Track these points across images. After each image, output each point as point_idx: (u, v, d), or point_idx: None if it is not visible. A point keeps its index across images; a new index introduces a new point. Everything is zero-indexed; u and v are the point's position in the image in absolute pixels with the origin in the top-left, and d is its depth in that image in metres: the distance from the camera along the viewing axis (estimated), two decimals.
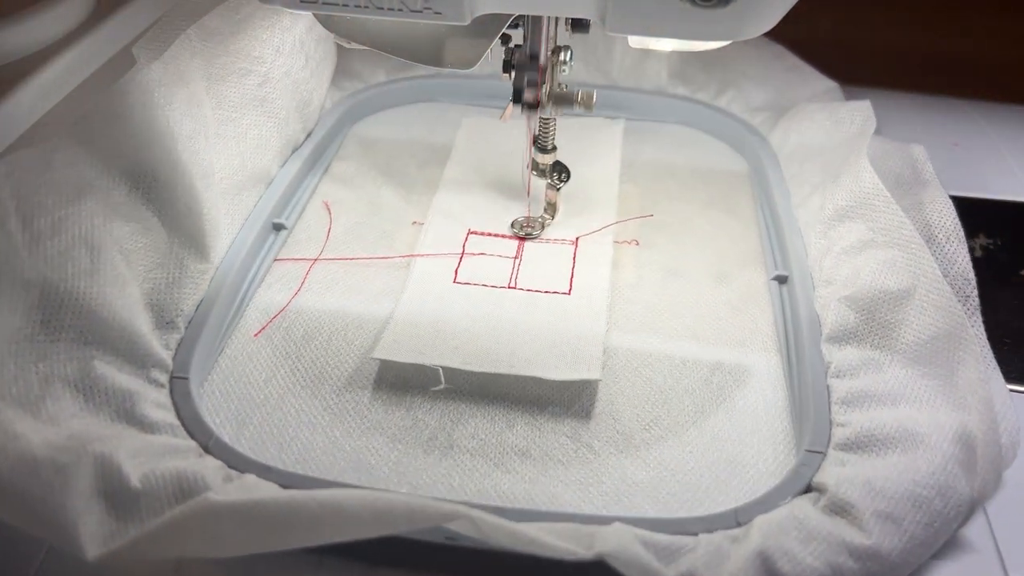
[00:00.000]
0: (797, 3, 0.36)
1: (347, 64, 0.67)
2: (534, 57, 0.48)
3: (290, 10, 0.38)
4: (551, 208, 0.55)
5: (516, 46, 0.48)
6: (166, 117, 0.45)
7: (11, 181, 0.39)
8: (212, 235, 0.47)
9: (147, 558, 0.34)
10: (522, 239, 0.54)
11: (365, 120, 0.66)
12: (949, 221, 0.48)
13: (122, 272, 0.41)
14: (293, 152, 0.58)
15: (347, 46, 0.44)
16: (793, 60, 0.67)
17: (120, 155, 0.44)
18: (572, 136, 0.63)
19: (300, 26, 0.59)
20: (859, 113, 0.55)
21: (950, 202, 0.49)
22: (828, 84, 0.64)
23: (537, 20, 0.46)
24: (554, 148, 0.53)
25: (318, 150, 0.60)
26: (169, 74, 0.46)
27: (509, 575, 0.37)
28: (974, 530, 0.39)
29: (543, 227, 0.55)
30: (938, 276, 0.43)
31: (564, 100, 0.50)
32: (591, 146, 0.63)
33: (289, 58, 0.56)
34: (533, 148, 0.53)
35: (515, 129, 0.64)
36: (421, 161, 0.62)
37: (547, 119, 0.51)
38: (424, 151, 0.63)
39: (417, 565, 0.37)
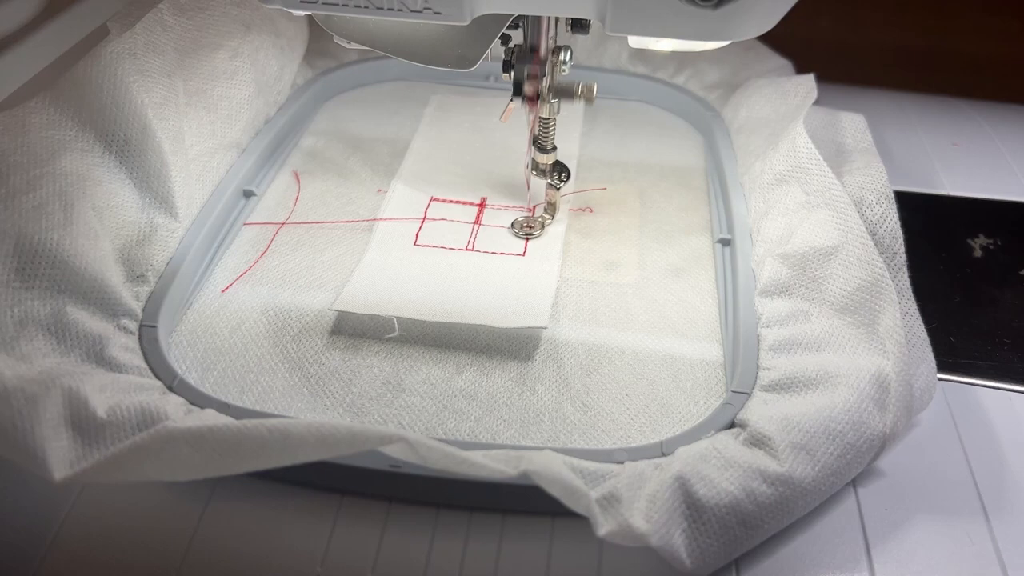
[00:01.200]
0: (797, 3, 0.37)
1: (321, 43, 0.69)
2: (534, 50, 0.49)
3: (291, 10, 0.40)
4: (551, 208, 0.56)
5: (516, 46, 0.49)
6: (136, 84, 0.48)
7: None
8: (181, 196, 0.50)
9: (109, 481, 0.36)
10: (480, 205, 0.57)
11: (337, 98, 0.69)
12: (880, 183, 0.50)
13: (95, 227, 0.44)
14: (265, 124, 0.61)
15: (347, 46, 0.45)
16: (749, 41, 0.70)
17: (92, 119, 0.46)
18: None
19: (275, 3, 0.61)
20: (802, 86, 0.58)
21: (882, 166, 0.52)
22: (780, 62, 0.67)
23: (537, 20, 0.47)
24: (554, 148, 0.53)
25: (289, 124, 0.63)
26: (139, 44, 0.49)
27: (460, 503, 0.39)
28: (974, 530, 0.40)
29: (543, 227, 0.55)
30: (863, 233, 0.46)
31: (565, 92, 0.50)
32: None
33: (259, 35, 0.59)
34: (533, 148, 0.54)
35: (478, 106, 0.67)
36: (390, 137, 0.64)
37: (547, 119, 0.52)
38: (393, 128, 0.65)
39: (370, 493, 0.39)
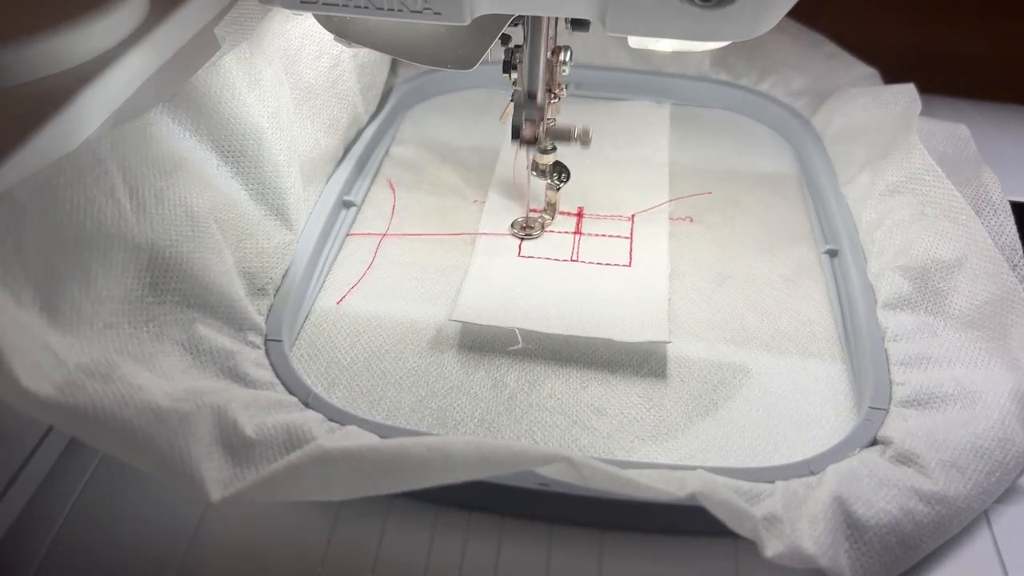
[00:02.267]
0: (797, 3, 0.37)
1: None
2: (532, 96, 0.50)
3: (291, 10, 0.40)
4: (551, 208, 0.56)
5: (516, 46, 0.49)
6: (253, 96, 0.47)
7: (116, 153, 0.41)
8: (295, 208, 0.49)
9: (263, 501, 0.36)
10: (578, 215, 0.56)
11: (420, 105, 0.68)
12: (995, 194, 0.50)
13: (218, 240, 0.44)
14: (358, 134, 0.61)
15: (347, 46, 0.44)
16: (831, 48, 0.70)
17: (209, 131, 0.46)
18: (621, 119, 0.66)
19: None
20: (903, 95, 0.57)
21: (995, 177, 0.51)
22: (867, 70, 0.67)
23: (537, 20, 0.47)
24: (554, 148, 0.53)
25: (379, 133, 0.62)
26: (253, 55, 0.48)
27: (588, 522, 0.39)
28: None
29: (543, 227, 0.55)
30: (989, 245, 0.46)
31: (562, 136, 0.52)
32: (639, 128, 0.65)
33: None
34: (534, 150, 0.53)
35: (564, 114, 0.67)
36: (475, 144, 0.64)
37: (549, 119, 0.52)
38: (478, 135, 0.65)
39: (503, 511, 0.39)
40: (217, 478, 0.35)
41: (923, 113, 0.56)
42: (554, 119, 0.52)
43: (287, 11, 0.51)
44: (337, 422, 0.40)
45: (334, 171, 0.57)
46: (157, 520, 0.39)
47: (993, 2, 0.80)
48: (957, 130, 0.56)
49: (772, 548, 0.34)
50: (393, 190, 0.59)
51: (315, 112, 0.54)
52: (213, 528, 0.38)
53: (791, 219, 0.58)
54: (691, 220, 0.57)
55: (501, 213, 0.57)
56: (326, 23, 0.43)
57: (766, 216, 0.58)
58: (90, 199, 0.39)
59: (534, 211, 0.56)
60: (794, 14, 0.38)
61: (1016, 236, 0.48)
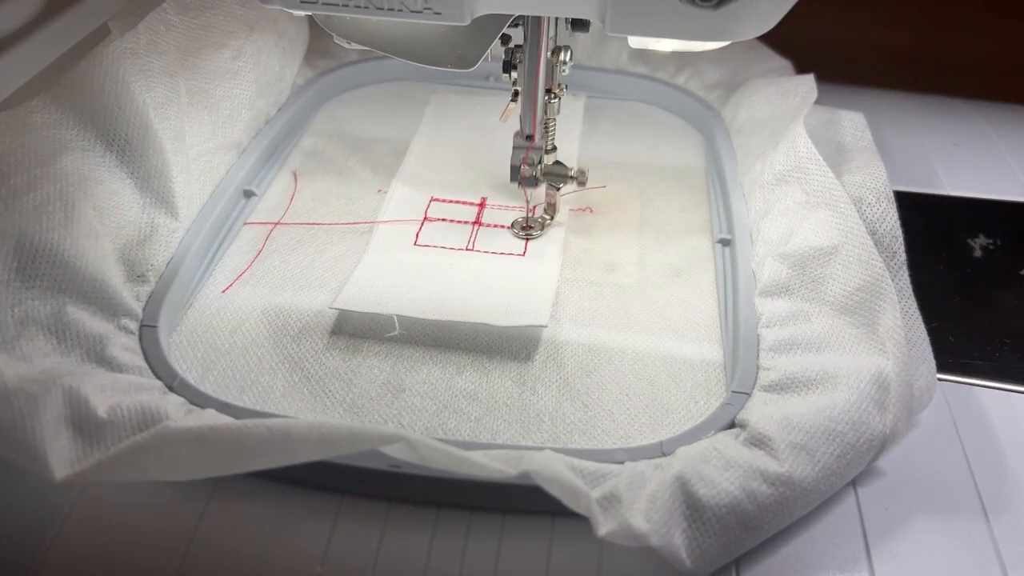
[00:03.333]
0: (797, 3, 0.37)
1: (321, 43, 0.69)
2: (529, 137, 0.51)
3: (291, 10, 0.40)
4: (551, 208, 0.56)
5: (517, 46, 0.49)
6: (138, 84, 0.48)
7: None
8: (182, 196, 0.50)
9: (109, 480, 0.36)
10: (480, 205, 0.57)
11: (338, 98, 0.69)
12: (880, 183, 0.50)
13: (95, 227, 0.44)
14: (265, 124, 0.61)
15: (347, 46, 0.45)
16: (750, 41, 0.70)
17: (94, 119, 0.47)
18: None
19: (274, 3, 0.61)
20: (802, 85, 0.58)
21: (882, 165, 0.52)
22: (781, 62, 0.67)
23: (537, 20, 0.47)
24: (554, 148, 0.54)
25: (289, 124, 0.63)
26: (143, 44, 0.49)
27: (461, 503, 0.39)
28: (974, 529, 0.40)
29: (543, 227, 0.56)
30: (863, 233, 0.46)
31: (558, 176, 0.53)
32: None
33: (262, 35, 0.59)
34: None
35: (478, 105, 0.68)
36: (390, 137, 0.64)
37: (548, 118, 0.52)
38: (393, 128, 0.65)
39: (371, 493, 0.39)
40: (64, 457, 0.36)
41: (924, 113, 0.56)
42: (554, 120, 0.53)
43: (184, 4, 0.52)
44: (198, 406, 0.40)
45: (236, 161, 0.57)
46: (150, 524, 0.39)
47: (993, 2, 0.80)
48: (855, 118, 0.57)
49: (605, 526, 0.34)
50: (296, 180, 0.59)
51: (213, 103, 0.55)
52: (211, 527, 0.38)
53: (692, 210, 0.58)
54: (591, 211, 0.58)
55: (404, 202, 0.57)
56: (326, 23, 0.44)
57: (668, 207, 0.58)
58: None
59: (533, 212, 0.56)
60: (794, 14, 0.38)
61: (897, 223, 0.49)
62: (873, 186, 0.50)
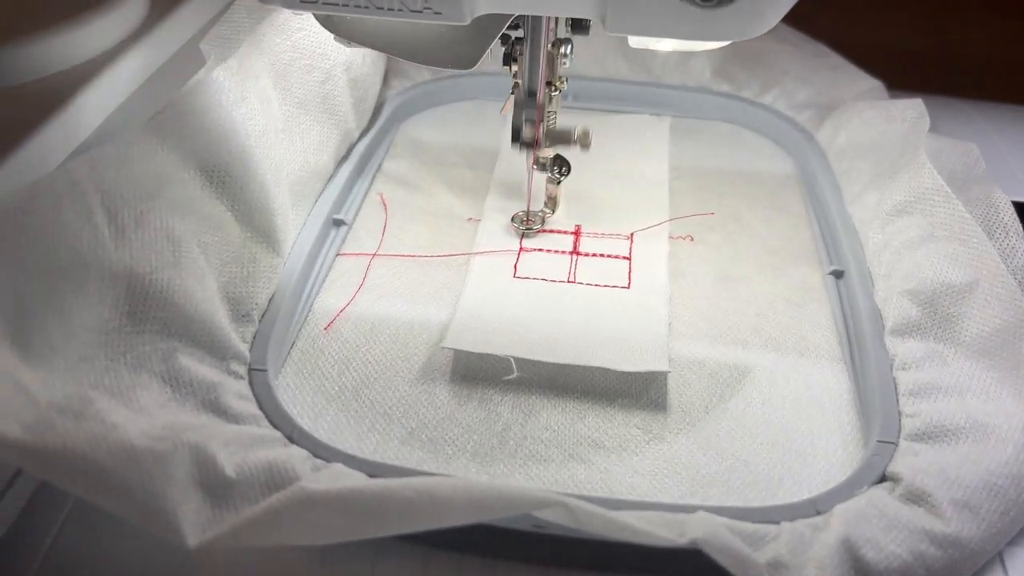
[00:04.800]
0: (797, 3, 0.36)
1: (395, 62, 0.67)
2: (532, 94, 0.49)
3: (291, 11, 0.39)
4: (551, 202, 0.55)
5: (517, 38, 0.48)
6: (239, 114, 0.46)
7: (94, 175, 0.40)
8: (282, 230, 0.48)
9: (243, 545, 0.34)
10: (575, 234, 0.55)
11: (412, 118, 0.67)
12: (1007, 216, 0.48)
13: (201, 265, 0.42)
14: (349, 150, 0.59)
15: (347, 46, 0.44)
16: (836, 59, 0.68)
17: (194, 151, 0.44)
18: (619, 133, 0.64)
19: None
20: (912, 110, 0.56)
21: (1007, 198, 0.49)
22: (872, 83, 0.65)
23: (537, 20, 0.46)
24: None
25: (371, 148, 0.61)
26: (240, 71, 0.47)
27: (581, 563, 0.37)
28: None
29: (543, 221, 0.55)
30: (1001, 269, 0.44)
31: (561, 138, 0.51)
32: (638, 142, 0.63)
33: (349, 54, 0.57)
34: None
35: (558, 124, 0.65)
36: (469, 159, 0.62)
37: (551, 111, 0.51)
38: (471, 150, 0.63)
39: (498, 554, 0.37)
40: (195, 521, 0.33)
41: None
42: (555, 112, 0.51)
43: (277, 24, 0.50)
44: (323, 459, 0.38)
45: (324, 189, 0.55)
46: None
47: (993, 2, 0.79)
48: (967, 148, 0.55)
49: None
50: (385, 207, 0.57)
51: (304, 129, 0.53)
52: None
53: (795, 238, 0.56)
54: (692, 239, 0.56)
55: (496, 231, 0.55)
56: (326, 23, 0.43)
57: (768, 234, 0.56)
58: (64, 225, 0.38)
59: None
60: (794, 14, 0.37)
61: None
62: (1000, 220, 0.48)
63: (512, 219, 0.55)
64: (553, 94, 0.50)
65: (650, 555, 0.36)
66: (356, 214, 0.56)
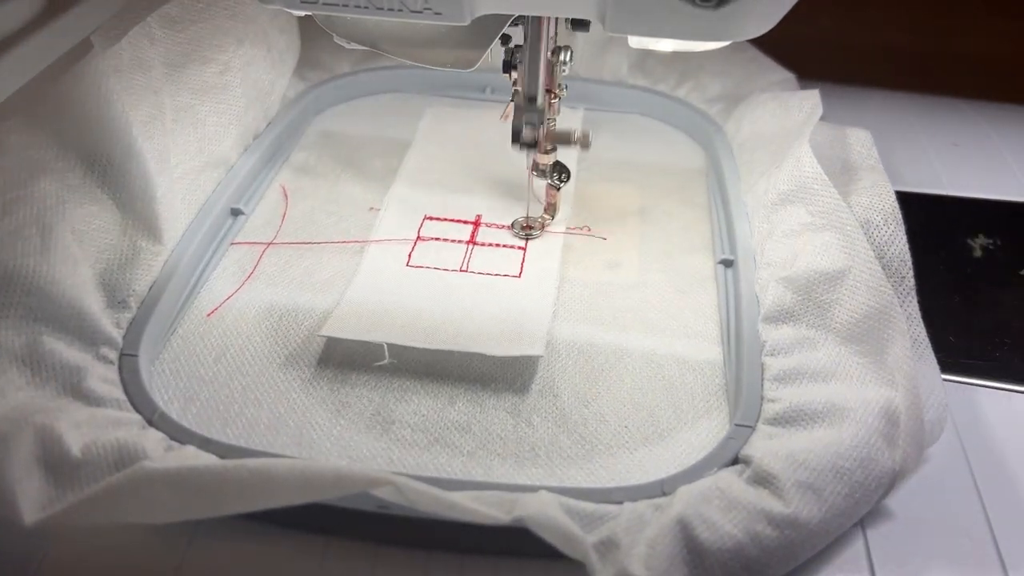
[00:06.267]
0: (797, 3, 0.37)
1: (312, 55, 0.68)
2: (532, 99, 0.50)
3: (291, 10, 0.39)
4: (551, 208, 0.55)
5: (516, 46, 0.48)
6: (121, 102, 0.46)
7: None
8: (166, 218, 0.48)
9: (82, 523, 0.34)
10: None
11: (329, 111, 0.67)
12: (887, 204, 0.49)
13: (74, 252, 0.42)
14: (254, 140, 0.60)
15: (347, 46, 0.44)
16: (752, 52, 0.68)
17: (74, 139, 0.45)
18: None
19: (263, 16, 0.60)
20: (807, 101, 0.56)
21: (890, 186, 0.50)
22: (784, 75, 0.65)
23: (537, 20, 0.47)
24: (554, 148, 0.53)
25: (279, 139, 0.61)
26: (126, 60, 0.47)
27: (453, 546, 0.38)
28: (974, 530, 0.40)
29: (543, 227, 0.55)
30: (871, 257, 0.44)
31: (561, 139, 0.52)
32: None
33: (251, 48, 0.57)
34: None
35: (475, 120, 0.66)
36: (383, 151, 0.63)
37: (549, 118, 0.52)
38: (386, 142, 0.64)
39: (358, 535, 0.38)
40: (34, 499, 0.34)
41: (924, 113, 0.56)
42: (554, 119, 0.52)
43: (172, 16, 0.51)
44: (179, 442, 0.38)
45: (223, 179, 0.55)
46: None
47: (993, 2, 0.79)
48: (861, 135, 0.55)
49: (602, 574, 0.33)
50: (286, 197, 0.57)
51: (199, 119, 0.53)
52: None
53: (694, 228, 0.57)
54: (589, 230, 0.56)
55: (397, 221, 0.55)
56: (326, 23, 0.43)
57: (669, 225, 0.57)
58: None
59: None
60: (793, 14, 0.38)
61: (906, 247, 0.47)
62: (881, 207, 0.49)
63: (512, 224, 0.55)
64: (553, 101, 0.51)
65: (491, 533, 0.36)
66: (256, 204, 0.57)
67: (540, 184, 0.55)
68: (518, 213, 0.56)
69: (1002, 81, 0.75)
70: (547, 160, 0.53)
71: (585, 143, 0.52)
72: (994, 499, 0.41)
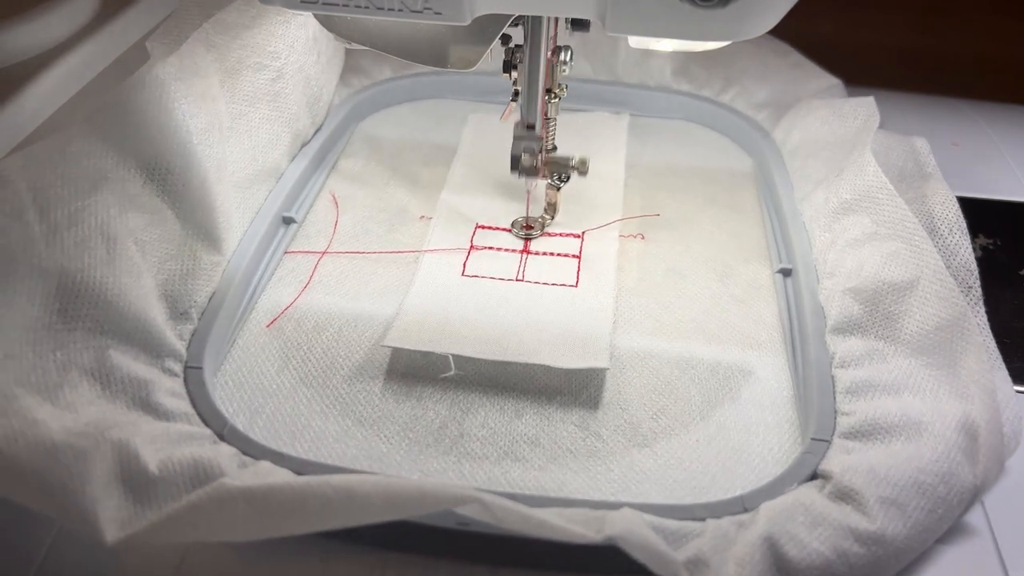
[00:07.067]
0: (797, 3, 0.36)
1: (354, 61, 0.67)
2: (531, 127, 0.50)
3: (291, 10, 0.39)
4: (551, 208, 0.55)
5: (517, 46, 0.48)
6: (181, 111, 0.45)
7: (27, 173, 0.40)
8: (224, 227, 0.48)
9: (163, 542, 0.34)
10: (527, 239, 0.55)
11: (371, 117, 0.67)
12: (951, 213, 0.48)
13: (137, 263, 0.42)
14: (302, 148, 0.59)
15: (347, 46, 0.44)
16: (797, 57, 0.68)
17: (135, 148, 0.44)
18: (577, 131, 0.64)
19: (313, 22, 0.59)
20: (863, 108, 0.56)
21: (952, 195, 0.50)
22: (831, 81, 0.65)
23: (537, 20, 0.47)
24: (554, 148, 0.53)
25: (326, 146, 0.61)
26: (184, 68, 0.47)
27: (521, 561, 0.37)
28: (975, 529, 0.39)
29: (543, 227, 0.55)
30: (941, 267, 0.44)
31: (559, 166, 0.52)
32: (596, 140, 0.63)
33: (302, 54, 0.57)
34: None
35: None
36: (427, 157, 0.62)
37: (549, 119, 0.51)
38: (429, 148, 0.63)
39: (428, 551, 0.37)
40: (114, 518, 0.34)
41: (924, 113, 0.55)
42: (554, 119, 0.52)
43: (227, 23, 0.50)
44: (251, 456, 0.38)
45: (275, 187, 0.55)
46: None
47: (994, 2, 0.79)
48: (917, 144, 0.55)
49: None
50: (336, 205, 0.57)
51: (254, 127, 0.52)
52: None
53: (747, 236, 0.56)
54: (643, 237, 0.56)
55: (448, 229, 0.55)
56: (326, 23, 0.43)
57: (721, 232, 0.56)
58: None
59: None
60: (794, 14, 0.37)
61: (971, 256, 0.47)
62: (945, 216, 0.48)
63: (512, 224, 0.55)
64: (552, 101, 0.51)
65: (575, 555, 0.36)
66: (307, 212, 0.56)
67: (540, 184, 0.55)
68: (567, 221, 0.56)
69: (1002, 81, 0.75)
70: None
71: (583, 169, 0.52)
72: (994, 499, 0.40)
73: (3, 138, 0.44)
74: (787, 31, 0.68)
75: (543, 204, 0.56)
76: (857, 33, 0.75)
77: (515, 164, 0.51)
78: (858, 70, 0.68)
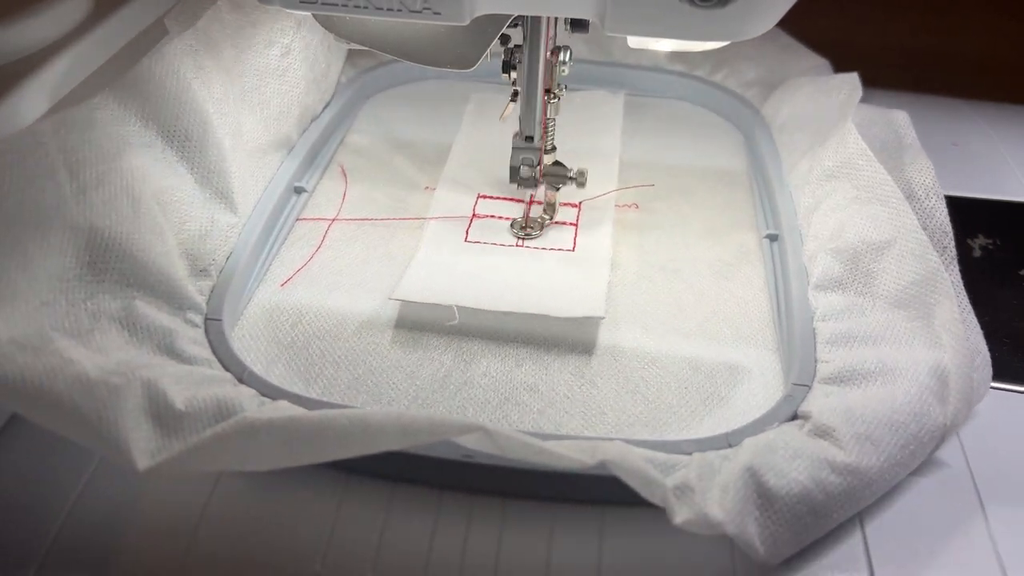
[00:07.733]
0: (797, 2, 0.37)
1: None
2: (529, 138, 0.51)
3: (290, 10, 0.40)
4: (550, 208, 0.57)
5: (516, 46, 0.50)
6: (199, 81, 0.48)
7: (58, 137, 0.43)
8: (240, 193, 0.50)
9: (190, 470, 0.37)
10: (529, 203, 0.57)
11: (379, 95, 0.69)
12: (928, 179, 0.51)
13: (160, 222, 0.45)
14: (312, 122, 0.62)
15: (347, 46, 0.46)
16: (786, 39, 0.71)
17: (155, 115, 0.47)
18: (575, 108, 0.67)
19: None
20: (846, 83, 0.58)
21: (929, 162, 0.52)
22: (818, 60, 0.68)
23: (536, 20, 0.48)
24: (553, 148, 0.54)
25: (335, 121, 0.63)
26: (200, 42, 0.50)
27: (521, 493, 0.40)
28: (973, 529, 0.40)
29: (542, 227, 0.56)
30: (916, 227, 0.47)
31: (558, 177, 0.53)
32: (593, 118, 0.66)
33: (309, 32, 0.60)
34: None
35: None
36: (432, 133, 0.65)
37: (549, 119, 0.53)
38: (435, 124, 0.66)
39: (435, 483, 0.40)
40: (144, 448, 0.36)
41: (924, 113, 0.56)
42: (553, 119, 0.53)
43: (236, 2, 0.53)
44: (269, 397, 0.41)
45: (285, 158, 0.58)
46: (154, 520, 0.39)
47: (994, 2, 0.80)
48: (897, 117, 0.57)
49: (680, 515, 0.35)
50: (345, 176, 0.60)
51: (264, 100, 0.55)
52: (212, 524, 0.39)
53: (737, 206, 0.59)
54: (637, 207, 0.58)
55: (451, 199, 0.58)
56: (325, 23, 0.44)
57: (712, 204, 0.59)
58: (29, 180, 0.40)
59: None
60: (793, 13, 0.38)
61: (947, 218, 0.49)
62: (922, 182, 0.51)
63: (511, 225, 0.56)
64: (552, 101, 0.52)
65: (573, 484, 0.38)
66: (317, 182, 0.59)
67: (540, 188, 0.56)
68: (566, 192, 0.58)
69: (1002, 81, 0.76)
70: (547, 160, 0.54)
71: (582, 180, 0.53)
72: (994, 499, 0.41)
73: (16, 119, 0.46)
74: (787, 31, 0.70)
75: (542, 204, 0.57)
76: (857, 33, 0.76)
77: (514, 176, 0.53)
78: (858, 70, 0.70)
